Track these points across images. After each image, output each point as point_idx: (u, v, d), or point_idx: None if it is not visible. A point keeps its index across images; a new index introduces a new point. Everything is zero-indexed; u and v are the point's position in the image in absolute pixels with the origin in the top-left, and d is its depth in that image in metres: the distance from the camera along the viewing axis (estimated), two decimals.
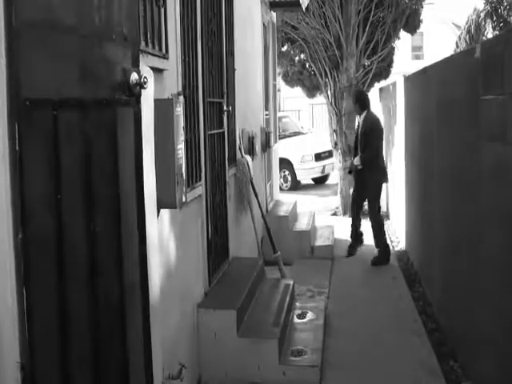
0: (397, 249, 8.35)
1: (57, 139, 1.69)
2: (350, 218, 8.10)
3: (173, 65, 3.74)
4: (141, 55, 2.49)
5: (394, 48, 11.57)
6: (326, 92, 11.48)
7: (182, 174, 3.19)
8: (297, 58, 12.06)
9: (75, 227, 1.81)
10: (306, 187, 15.72)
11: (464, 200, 4.46)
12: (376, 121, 7.70)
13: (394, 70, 12.00)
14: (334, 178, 13.98)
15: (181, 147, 3.17)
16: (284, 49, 11.88)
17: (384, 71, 11.67)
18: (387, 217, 10.20)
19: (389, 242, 8.03)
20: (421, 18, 11.66)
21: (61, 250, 1.71)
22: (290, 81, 12.43)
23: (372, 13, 10.67)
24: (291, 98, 25.42)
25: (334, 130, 11.45)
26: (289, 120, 17.84)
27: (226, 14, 5.55)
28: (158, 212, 3.02)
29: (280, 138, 11.81)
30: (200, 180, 4.47)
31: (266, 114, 8.65)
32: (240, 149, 6.14)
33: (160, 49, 3.46)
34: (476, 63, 3.98)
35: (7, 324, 1.51)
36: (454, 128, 4.84)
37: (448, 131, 5.06)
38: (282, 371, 4.25)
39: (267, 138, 8.14)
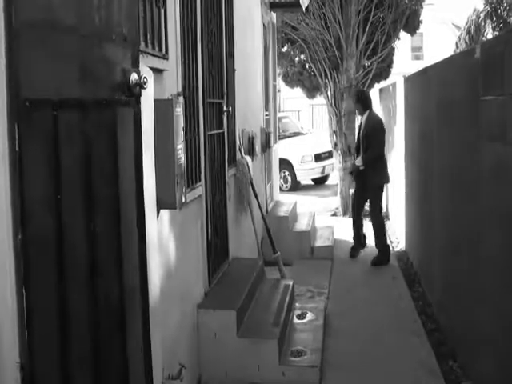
0: (396, 249, 8.36)
1: (56, 139, 1.69)
2: (351, 220, 8.04)
3: (173, 65, 3.74)
4: (140, 56, 2.49)
5: (393, 48, 11.58)
6: (326, 93, 11.49)
7: (181, 175, 3.19)
8: (297, 59, 12.07)
9: (75, 227, 1.81)
10: (306, 188, 15.72)
11: (464, 200, 4.46)
12: (379, 121, 7.67)
13: (393, 70, 12.01)
14: (334, 178, 13.99)
15: (181, 148, 3.17)
16: (284, 49, 11.89)
17: (384, 72, 11.68)
18: (387, 217, 10.20)
19: (388, 242, 8.02)
20: (420, 18, 11.68)
21: (61, 251, 1.71)
22: (289, 81, 12.44)
23: (372, 13, 10.69)
24: (291, 98, 25.42)
25: (334, 131, 11.46)
26: (289, 120, 17.86)
27: (225, 14, 5.55)
28: (158, 212, 3.02)
29: (280, 139, 11.81)
30: (200, 180, 4.47)
31: (266, 115, 8.65)
32: (240, 149, 6.14)
33: (160, 49, 3.47)
34: (476, 64, 3.98)
35: (7, 324, 1.51)
36: (454, 128, 4.84)
37: (448, 131, 5.06)
38: (282, 371, 4.25)
39: (267, 139, 8.14)
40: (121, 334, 2.14)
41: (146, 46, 3.20)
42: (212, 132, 4.92)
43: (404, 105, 8.15)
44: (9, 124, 1.50)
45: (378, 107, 11.44)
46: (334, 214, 11.43)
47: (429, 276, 6.15)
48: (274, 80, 9.67)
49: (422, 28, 12.71)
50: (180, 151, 3.15)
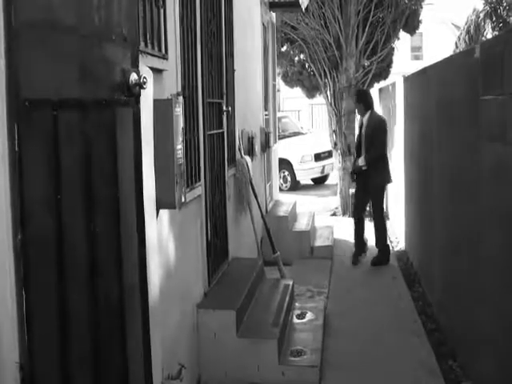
0: (396, 249, 8.36)
1: (56, 139, 1.69)
2: (353, 222, 7.82)
3: (172, 65, 3.74)
4: (140, 55, 2.49)
5: (393, 48, 11.58)
6: (326, 92, 11.49)
7: (181, 175, 3.19)
8: (296, 59, 12.07)
9: (75, 228, 1.81)
10: (306, 187, 15.72)
11: (464, 200, 4.46)
12: (382, 120, 7.64)
13: (393, 70, 12.01)
14: (334, 178, 14.00)
15: (180, 147, 3.16)
16: (283, 49, 11.89)
17: (383, 71, 11.68)
18: (387, 216, 10.20)
19: (388, 242, 8.01)
20: (420, 18, 11.68)
21: (60, 251, 1.71)
22: (289, 81, 12.44)
23: (371, 13, 10.69)
24: (291, 98, 25.43)
25: (334, 131, 11.45)
26: (288, 120, 17.86)
27: (225, 14, 5.55)
28: (158, 212, 3.02)
29: (280, 139, 11.82)
30: (199, 180, 4.47)
31: (266, 115, 8.65)
32: (239, 149, 6.14)
33: (159, 49, 3.46)
34: (476, 63, 3.98)
35: (6, 324, 1.51)
36: (453, 128, 4.84)
37: (448, 131, 5.07)
38: (282, 371, 4.25)
39: (267, 139, 8.14)
40: (120, 334, 2.14)
41: (146, 45, 3.20)
42: (211, 132, 4.92)
43: (404, 104, 8.15)
44: (8, 124, 1.50)
45: (377, 107, 11.44)
46: (334, 214, 11.43)
47: (429, 276, 6.15)
48: (274, 80, 9.67)
49: (422, 28, 12.71)
50: (179, 151, 3.15)
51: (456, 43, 23.83)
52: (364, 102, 7.53)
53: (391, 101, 9.55)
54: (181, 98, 3.23)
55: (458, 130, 4.64)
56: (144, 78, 2.21)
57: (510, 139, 3.26)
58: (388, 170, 7.53)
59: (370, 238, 7.85)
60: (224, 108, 5.37)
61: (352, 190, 9.76)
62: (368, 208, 8.18)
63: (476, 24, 22.57)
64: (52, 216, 1.68)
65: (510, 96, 3.26)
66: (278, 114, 12.37)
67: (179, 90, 3.87)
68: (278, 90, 13.39)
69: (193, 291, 4.30)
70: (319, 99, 13.53)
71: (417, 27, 11.77)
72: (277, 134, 10.25)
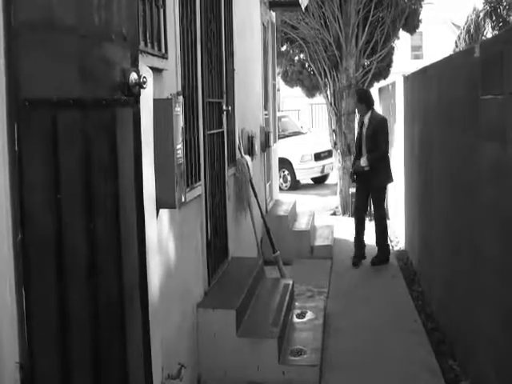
0: (396, 248, 8.36)
1: (56, 139, 1.69)
2: (354, 223, 7.69)
3: (172, 65, 3.74)
4: (140, 55, 2.49)
5: (393, 48, 11.57)
6: (326, 92, 11.49)
7: (181, 174, 3.19)
8: (296, 58, 12.07)
9: (75, 228, 1.81)
10: (306, 187, 15.72)
11: (464, 199, 4.46)
12: (384, 120, 7.60)
13: (393, 69, 12.00)
14: (334, 177, 13.99)
15: (180, 147, 3.16)
16: (283, 48, 11.88)
17: (383, 71, 11.67)
18: (387, 216, 10.20)
19: (388, 241, 8.01)
20: (420, 17, 11.67)
21: (60, 251, 1.71)
22: (289, 80, 12.43)
23: (371, 13, 10.68)
24: (291, 97, 25.42)
25: (334, 130, 11.45)
26: (288, 120, 17.85)
27: (225, 13, 5.55)
28: (158, 212, 3.02)
29: (279, 138, 11.81)
30: (199, 180, 4.47)
31: (266, 114, 8.65)
32: (239, 149, 6.14)
33: (159, 49, 3.46)
34: (475, 63, 3.98)
35: (6, 324, 1.51)
36: (453, 128, 4.84)
37: (447, 131, 5.06)
38: (282, 371, 4.25)
39: (267, 138, 8.14)
40: (120, 334, 2.14)
41: (146, 45, 3.20)
42: (211, 131, 4.92)
43: (403, 104, 8.14)
44: (8, 124, 1.50)
45: (377, 106, 11.44)
46: (334, 214, 11.42)
47: (428, 275, 6.15)
48: (274, 79, 9.66)
49: (422, 27, 12.70)
50: (179, 151, 3.15)
51: (456, 42, 23.82)
52: (366, 101, 7.49)
53: (391, 100, 9.54)
54: (181, 98, 3.23)
55: (458, 130, 4.64)
56: (144, 77, 2.21)
57: (509, 138, 3.26)
58: (389, 170, 7.50)
59: (370, 238, 7.83)
60: (224, 107, 5.37)
61: (352, 190, 9.74)
62: (368, 208, 8.15)
63: (476, 23, 22.56)
64: (52, 216, 1.68)
65: (509, 96, 3.26)
66: (278, 114, 12.36)
67: (179, 89, 3.87)
68: (278, 90, 13.37)
69: (193, 291, 4.30)
70: (319, 99, 13.52)
71: (417, 26, 11.76)
72: (277, 133, 10.25)
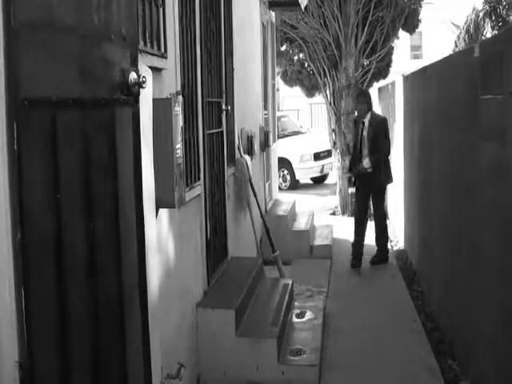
0: (396, 248, 8.36)
1: (55, 139, 1.69)
2: (355, 227, 7.53)
3: (171, 64, 3.74)
4: (139, 55, 2.49)
5: (392, 47, 11.57)
6: (325, 91, 11.49)
7: (180, 174, 3.19)
8: (296, 58, 12.06)
9: (74, 227, 1.81)
10: (305, 187, 15.72)
11: (463, 199, 4.46)
12: (385, 120, 7.54)
13: (392, 69, 12.00)
14: (333, 177, 13.99)
15: (179, 147, 3.17)
16: (283, 48, 11.88)
17: (383, 71, 11.67)
18: (387, 216, 10.20)
19: (388, 241, 7.99)
20: (420, 17, 11.67)
21: (59, 250, 1.71)
22: (288, 80, 12.43)
23: (371, 12, 10.68)
24: (290, 97, 25.42)
25: (333, 130, 11.45)
26: (288, 119, 17.85)
27: (224, 13, 5.55)
28: (157, 212, 3.02)
29: (279, 138, 11.82)
30: (199, 179, 4.47)
31: (265, 114, 8.65)
32: (239, 148, 6.14)
33: (159, 48, 3.46)
34: (475, 63, 3.98)
35: (6, 323, 1.51)
36: (453, 127, 4.84)
37: (447, 131, 5.07)
38: (281, 371, 4.25)
39: (266, 138, 8.14)
40: (120, 333, 2.14)
41: (145, 44, 3.20)
42: (211, 131, 4.92)
43: (403, 104, 8.14)
44: (8, 123, 1.50)
45: (377, 106, 11.44)
46: (333, 213, 11.43)
47: (428, 275, 6.15)
48: (273, 79, 9.66)
49: (421, 27, 12.70)
50: (179, 150, 3.15)
51: (455, 42, 23.84)
52: (368, 102, 7.37)
53: (391, 100, 9.54)
54: (180, 97, 3.24)
55: (458, 130, 4.64)
56: (143, 77, 2.21)
57: (508, 138, 3.27)
58: (390, 170, 7.47)
59: (370, 238, 7.82)
60: (223, 107, 5.37)
61: (352, 190, 9.70)
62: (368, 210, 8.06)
63: (475, 23, 22.57)
64: (51, 215, 1.68)
65: (508, 95, 3.26)
66: (278, 113, 12.37)
67: (179, 89, 3.87)
68: (278, 89, 13.38)
69: (192, 290, 4.30)
70: (318, 98, 13.51)
71: (416, 26, 11.76)
72: (276, 133, 10.25)
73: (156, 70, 3.30)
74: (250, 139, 6.73)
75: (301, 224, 8.49)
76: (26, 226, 1.55)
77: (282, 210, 8.36)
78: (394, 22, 11.02)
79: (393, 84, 9.20)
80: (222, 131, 5.37)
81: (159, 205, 2.99)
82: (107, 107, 2.04)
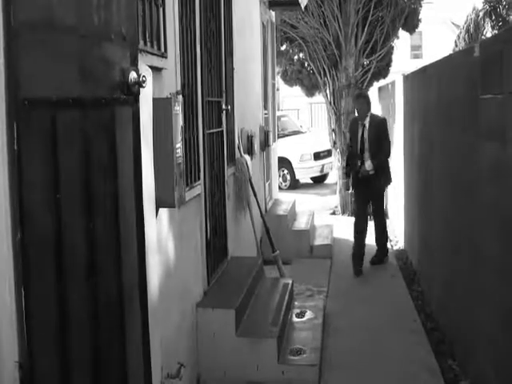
0: (396, 248, 8.35)
1: (55, 139, 1.69)
2: (355, 232, 7.30)
3: (171, 64, 3.74)
4: (139, 54, 2.49)
5: (392, 47, 11.57)
6: (325, 91, 11.49)
7: (180, 174, 3.19)
8: (296, 57, 12.06)
9: (74, 227, 1.81)
10: (305, 186, 15.72)
11: (463, 199, 4.46)
12: (385, 121, 7.48)
13: (392, 69, 12.00)
14: (333, 177, 13.99)
15: (179, 146, 3.16)
16: (283, 48, 11.88)
17: (383, 70, 11.67)
18: (386, 215, 10.20)
19: (388, 241, 7.98)
20: (420, 17, 11.66)
21: (59, 250, 1.71)
22: (288, 80, 12.43)
23: (371, 12, 10.67)
24: (290, 96, 25.42)
25: (333, 129, 11.45)
26: (288, 119, 17.85)
27: (224, 13, 5.55)
28: (157, 211, 3.02)
29: (279, 137, 11.81)
30: (199, 179, 4.47)
31: (265, 113, 8.65)
32: (239, 148, 6.14)
33: (159, 48, 3.46)
34: (475, 62, 3.98)
35: (6, 323, 1.51)
36: (453, 127, 4.84)
37: (447, 130, 5.06)
38: (281, 370, 4.25)
39: (266, 137, 8.13)
40: (120, 333, 2.14)
41: (145, 44, 3.20)
42: (211, 131, 4.92)
43: (403, 103, 8.14)
44: (8, 123, 1.50)
45: (377, 106, 11.44)
46: (333, 213, 11.42)
47: (428, 275, 6.15)
48: (273, 78, 9.66)
49: (421, 27, 12.69)
50: (179, 150, 3.15)
51: (455, 42, 23.85)
52: (369, 103, 7.27)
53: (391, 100, 9.54)
54: (180, 97, 3.23)
55: (458, 129, 4.63)
56: (143, 76, 2.21)
57: (508, 138, 3.26)
58: (390, 172, 7.44)
59: (369, 238, 7.79)
60: (223, 107, 5.37)
61: (350, 190, 9.62)
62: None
63: (476, 23, 22.58)
64: (51, 215, 1.68)
65: (509, 95, 3.26)
66: (278, 113, 12.36)
67: (179, 88, 3.87)
68: (278, 89, 13.38)
69: (192, 290, 4.30)
70: (318, 98, 13.51)
71: (416, 26, 11.75)
72: (276, 132, 10.24)
73: (156, 70, 3.30)
74: (250, 139, 6.73)
75: (301, 224, 8.49)
76: (26, 226, 1.55)
77: (282, 210, 8.36)
78: (394, 22, 11.02)
79: (393, 84, 9.20)
80: (222, 131, 5.37)
81: (159, 204, 2.99)
82: (107, 107, 2.04)
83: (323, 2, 10.57)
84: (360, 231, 7.26)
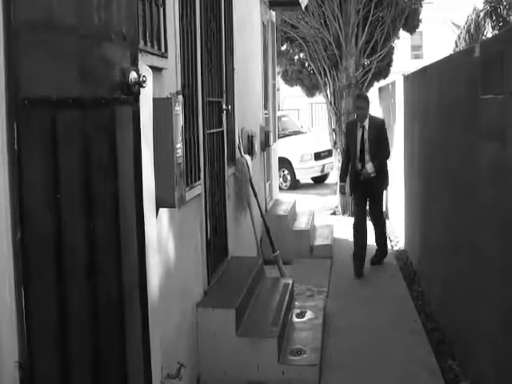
0: (396, 248, 8.35)
1: (55, 138, 1.69)
2: (355, 234, 7.24)
3: (172, 64, 3.74)
4: (140, 54, 2.49)
5: (393, 47, 11.57)
6: (326, 91, 11.49)
7: (181, 174, 3.18)
8: (296, 57, 12.06)
9: (74, 227, 1.81)
10: (306, 186, 15.72)
11: (463, 199, 4.46)
12: (384, 122, 7.46)
13: (393, 69, 12.00)
14: (334, 177, 13.98)
15: (180, 146, 3.16)
16: (283, 48, 11.88)
17: (383, 70, 11.67)
18: (387, 216, 10.20)
19: (388, 240, 7.98)
20: (420, 17, 11.66)
21: (59, 250, 1.70)
22: (289, 80, 12.43)
23: (371, 12, 10.67)
24: (291, 97, 25.42)
25: (334, 130, 11.44)
26: (288, 119, 17.84)
27: (225, 13, 5.55)
28: (157, 211, 3.02)
29: (279, 137, 11.81)
30: (199, 179, 4.47)
31: (266, 113, 8.65)
32: (239, 148, 6.13)
33: (159, 48, 3.46)
34: (475, 62, 3.98)
35: (6, 323, 1.51)
36: (453, 127, 4.84)
37: (448, 130, 5.06)
38: (281, 370, 4.25)
39: (266, 137, 8.13)
40: (120, 333, 2.14)
41: (146, 44, 3.20)
42: (211, 131, 4.92)
43: (404, 104, 8.14)
44: (8, 123, 1.50)
45: (377, 106, 11.44)
46: (334, 213, 11.42)
47: (428, 275, 6.15)
48: (274, 79, 9.66)
49: (422, 27, 12.69)
50: (179, 150, 3.15)
51: (456, 42, 23.84)
52: (368, 105, 7.22)
53: (391, 100, 9.54)
54: (180, 97, 3.23)
55: (458, 129, 4.63)
56: (143, 76, 2.21)
57: (509, 138, 3.26)
58: (388, 173, 7.43)
59: (369, 238, 7.79)
60: (224, 107, 5.37)
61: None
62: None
63: (476, 23, 22.58)
64: (51, 215, 1.68)
65: (509, 95, 3.26)
66: (278, 113, 12.36)
67: (179, 88, 3.87)
68: (278, 89, 13.38)
69: (192, 290, 4.30)
70: (319, 98, 13.51)
71: (417, 26, 11.75)
72: (276, 132, 10.25)
73: (156, 70, 3.30)
74: (250, 139, 6.73)
75: (301, 224, 8.49)
76: (26, 226, 1.55)
77: (282, 210, 8.36)
78: (394, 22, 11.02)
79: (393, 84, 9.20)
80: (223, 131, 5.37)
81: (159, 204, 2.99)
82: (107, 107, 2.04)
83: (324, 2, 10.57)
84: (360, 232, 7.22)
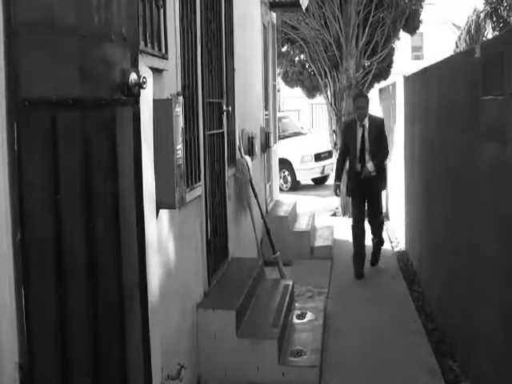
0: (396, 249, 8.35)
1: (55, 139, 1.69)
2: (355, 235, 7.17)
3: (172, 65, 3.74)
4: (140, 55, 2.49)
5: (393, 48, 11.58)
6: (326, 92, 11.50)
7: (181, 175, 3.19)
8: (297, 59, 12.08)
9: (74, 227, 1.81)
10: (306, 188, 15.72)
11: (464, 200, 4.46)
12: (383, 122, 7.41)
13: (393, 70, 12.01)
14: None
15: (180, 147, 3.17)
16: (284, 49, 11.90)
17: (384, 71, 11.68)
18: (387, 217, 10.20)
19: (383, 235, 7.86)
20: (420, 18, 11.68)
21: (59, 250, 1.71)
22: (289, 81, 12.44)
23: (372, 13, 10.68)
24: (291, 98, 25.43)
25: (334, 131, 11.45)
26: (288, 120, 17.85)
27: (225, 14, 5.55)
28: (158, 212, 3.02)
29: (280, 139, 11.81)
30: (199, 180, 4.47)
31: (266, 114, 8.65)
32: (239, 149, 6.14)
33: (159, 49, 3.46)
34: (476, 64, 3.98)
35: (6, 324, 1.51)
36: (453, 128, 4.84)
37: (448, 131, 5.07)
38: (282, 372, 4.25)
39: (267, 139, 8.13)
40: (120, 334, 2.14)
41: (146, 45, 3.20)
42: (211, 132, 4.92)
43: (404, 104, 8.14)
44: (8, 124, 1.50)
45: (377, 107, 11.44)
46: (334, 214, 11.43)
47: (428, 275, 6.15)
48: (274, 80, 9.67)
49: (422, 28, 12.70)
50: (179, 151, 3.15)
51: (456, 43, 23.86)
52: (368, 104, 7.15)
53: (391, 101, 9.54)
54: (181, 98, 3.24)
55: (458, 130, 4.64)
56: (144, 77, 2.21)
57: (509, 139, 3.26)
58: (387, 173, 7.42)
59: (368, 238, 7.77)
60: (224, 108, 5.37)
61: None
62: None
63: (476, 24, 22.60)
64: (51, 215, 1.68)
65: (509, 96, 3.26)
66: (278, 114, 12.36)
67: (179, 89, 3.87)
68: (279, 90, 13.39)
69: (193, 291, 4.30)
70: (319, 99, 13.53)
71: (417, 27, 11.77)
72: (277, 133, 10.25)
73: (156, 71, 3.30)
74: (250, 140, 6.73)
75: (301, 225, 8.49)
76: (26, 226, 1.55)
77: (282, 211, 8.36)
78: (394, 23, 11.03)
79: (394, 85, 9.20)
80: (223, 132, 5.38)
81: (160, 205, 2.99)
82: (107, 107, 2.04)
83: (324, 3, 10.58)
84: (359, 232, 7.18)
